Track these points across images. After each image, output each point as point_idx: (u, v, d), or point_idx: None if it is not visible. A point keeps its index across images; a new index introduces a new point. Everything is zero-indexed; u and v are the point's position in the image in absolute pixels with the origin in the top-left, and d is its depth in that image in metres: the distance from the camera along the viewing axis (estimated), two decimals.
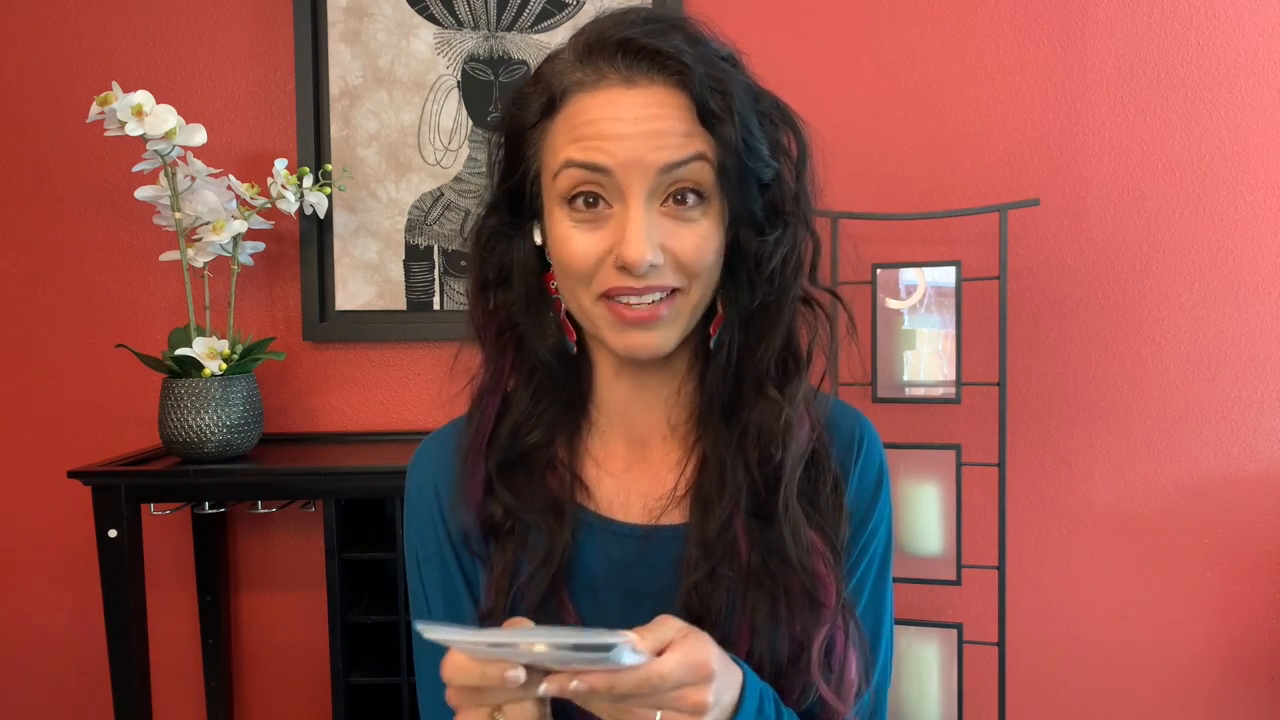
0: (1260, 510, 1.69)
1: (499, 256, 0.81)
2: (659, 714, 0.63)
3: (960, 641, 1.53)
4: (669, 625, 0.66)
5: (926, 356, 1.52)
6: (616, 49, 0.72)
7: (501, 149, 0.79)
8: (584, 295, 0.74)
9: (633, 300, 0.73)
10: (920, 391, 1.53)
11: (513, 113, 0.77)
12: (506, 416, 0.81)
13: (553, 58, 0.76)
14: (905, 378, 1.53)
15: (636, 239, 0.70)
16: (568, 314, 0.80)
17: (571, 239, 0.73)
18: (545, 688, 0.61)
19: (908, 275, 1.52)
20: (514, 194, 0.79)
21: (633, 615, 0.70)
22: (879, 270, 1.53)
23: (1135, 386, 1.68)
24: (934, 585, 1.52)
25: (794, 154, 0.78)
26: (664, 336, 0.75)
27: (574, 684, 0.61)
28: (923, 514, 1.53)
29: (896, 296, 1.53)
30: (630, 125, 0.71)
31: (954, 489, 1.51)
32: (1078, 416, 1.69)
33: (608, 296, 0.73)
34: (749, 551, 0.76)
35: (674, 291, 0.74)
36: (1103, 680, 1.72)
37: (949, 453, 1.52)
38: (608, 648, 0.58)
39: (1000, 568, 1.50)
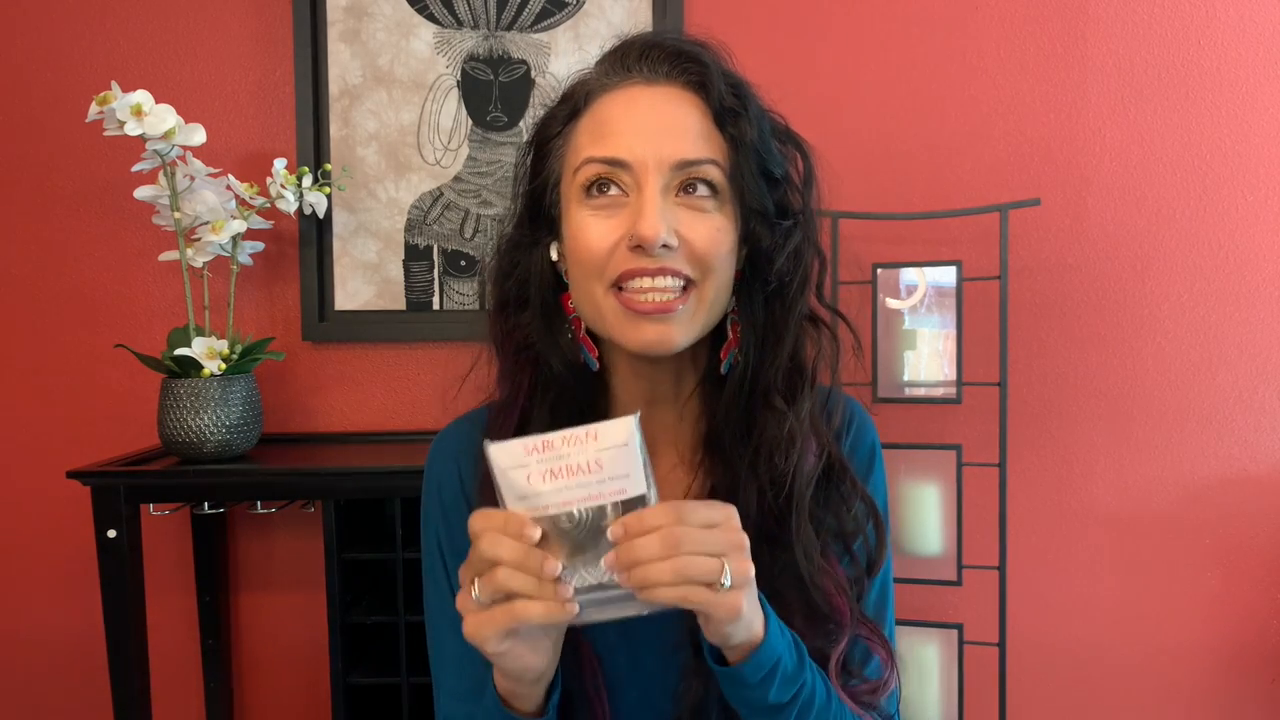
0: (1261, 511, 1.69)
1: (519, 272, 0.83)
2: (725, 562, 0.64)
3: (960, 641, 1.52)
4: None
5: (927, 356, 1.52)
6: (642, 52, 0.78)
7: (527, 158, 0.83)
8: (597, 287, 0.76)
9: (645, 283, 0.74)
10: (921, 391, 1.53)
11: (541, 125, 0.82)
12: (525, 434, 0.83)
13: (580, 75, 0.82)
14: (906, 378, 1.53)
15: (651, 216, 0.72)
16: (588, 331, 0.82)
17: (588, 227, 0.76)
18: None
19: (908, 275, 1.52)
20: (535, 202, 0.82)
21: (646, 625, 0.71)
22: (879, 270, 1.52)
23: (1136, 386, 1.68)
24: (934, 585, 1.52)
25: (800, 174, 0.82)
26: (678, 331, 0.76)
27: (612, 529, 0.63)
28: (923, 514, 1.53)
29: (897, 296, 1.53)
30: (648, 120, 0.75)
31: (954, 489, 1.51)
32: (1078, 416, 1.69)
33: (619, 286, 0.75)
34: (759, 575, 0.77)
35: (688, 285, 0.75)
36: (1103, 680, 1.72)
37: (949, 453, 1.52)
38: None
39: (1001, 568, 1.50)
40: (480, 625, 0.65)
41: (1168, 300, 1.67)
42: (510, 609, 0.64)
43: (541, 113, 0.84)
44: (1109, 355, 1.68)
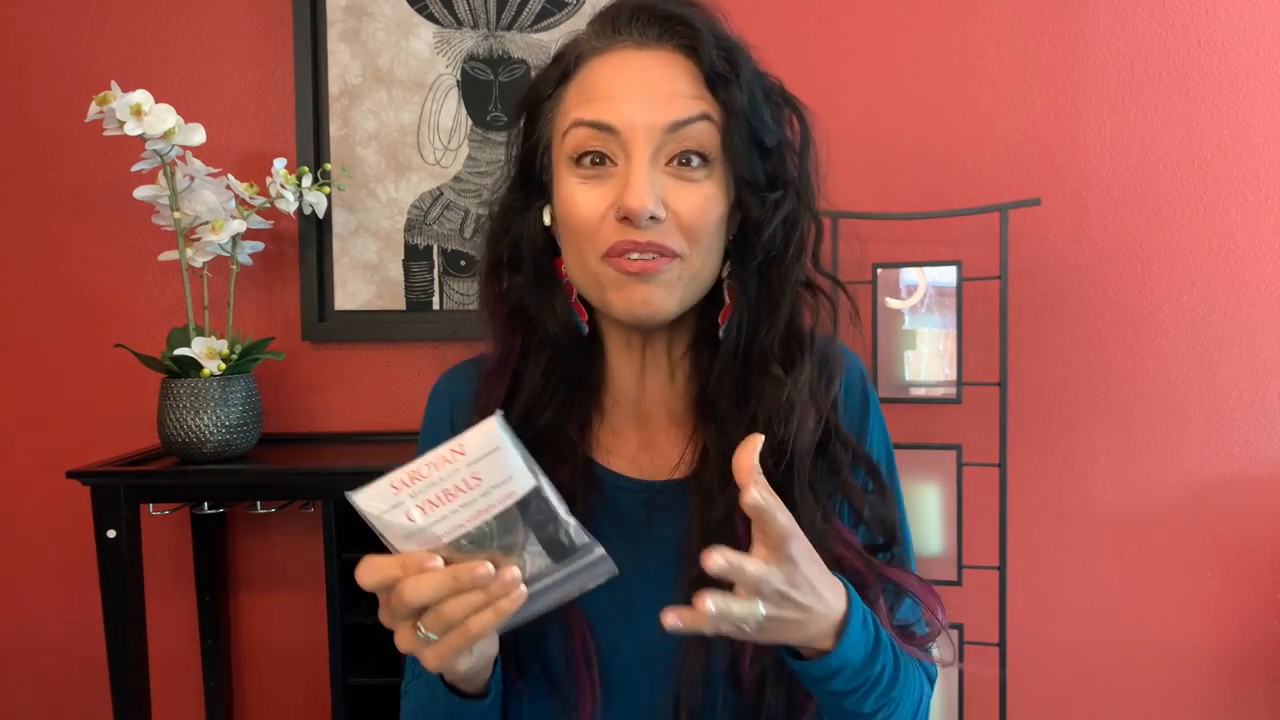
0: (1261, 511, 1.68)
1: (511, 236, 0.82)
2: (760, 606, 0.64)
3: (961, 642, 1.52)
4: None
5: (927, 356, 1.52)
6: (632, 15, 0.76)
7: (520, 120, 0.81)
8: (590, 256, 0.75)
9: (634, 255, 0.73)
10: (921, 391, 1.53)
11: (532, 87, 0.80)
12: (518, 397, 0.81)
13: (572, 37, 0.80)
14: (906, 378, 1.53)
15: (639, 187, 0.71)
16: (579, 297, 0.80)
17: (576, 196, 0.74)
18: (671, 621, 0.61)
19: (908, 275, 1.52)
20: (526, 165, 0.81)
21: (642, 590, 0.72)
22: (879, 270, 1.52)
23: (1136, 387, 1.68)
24: (935, 586, 1.52)
25: (797, 136, 0.80)
26: (663, 296, 0.74)
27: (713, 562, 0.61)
28: (923, 514, 1.53)
29: (897, 296, 1.53)
30: (638, 85, 0.74)
31: (955, 489, 1.51)
32: (1079, 417, 1.69)
33: (611, 255, 0.73)
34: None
35: (674, 257, 0.74)
36: (1103, 681, 1.72)
37: (950, 453, 1.52)
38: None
39: (1001, 568, 1.50)
40: (442, 656, 0.63)
41: (1168, 300, 1.67)
42: (465, 630, 0.61)
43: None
44: (1109, 355, 1.68)
